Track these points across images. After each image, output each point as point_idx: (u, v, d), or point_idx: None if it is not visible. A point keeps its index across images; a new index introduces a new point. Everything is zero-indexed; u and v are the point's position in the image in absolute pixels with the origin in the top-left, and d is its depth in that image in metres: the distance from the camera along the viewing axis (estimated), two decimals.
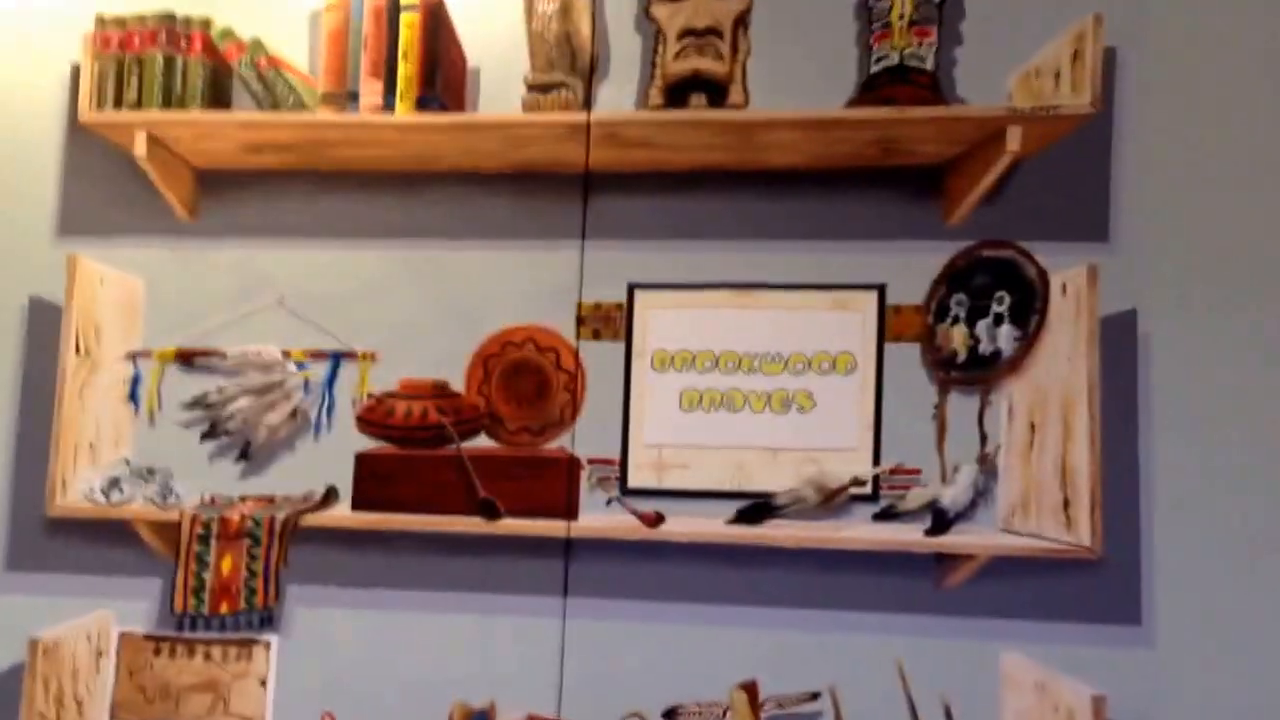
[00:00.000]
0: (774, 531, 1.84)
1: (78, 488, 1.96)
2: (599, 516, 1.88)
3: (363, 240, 1.97)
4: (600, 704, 1.86)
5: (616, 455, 1.91)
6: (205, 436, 1.97)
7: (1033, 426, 1.86)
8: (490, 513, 1.88)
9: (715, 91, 1.90)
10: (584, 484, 1.90)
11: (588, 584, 1.90)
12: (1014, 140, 1.78)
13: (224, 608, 1.92)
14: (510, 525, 1.88)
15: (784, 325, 1.91)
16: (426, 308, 1.96)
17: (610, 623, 1.89)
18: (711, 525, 1.83)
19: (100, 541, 1.97)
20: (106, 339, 1.99)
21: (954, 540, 1.80)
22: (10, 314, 2.02)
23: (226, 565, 1.92)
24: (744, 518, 1.88)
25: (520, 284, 1.93)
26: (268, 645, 1.93)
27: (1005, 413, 1.87)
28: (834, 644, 1.84)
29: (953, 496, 1.86)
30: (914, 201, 1.90)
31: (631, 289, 1.92)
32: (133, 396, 1.99)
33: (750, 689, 1.88)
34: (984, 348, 1.88)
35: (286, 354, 1.97)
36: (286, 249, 1.97)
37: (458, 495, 1.91)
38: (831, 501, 1.88)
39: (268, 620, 1.91)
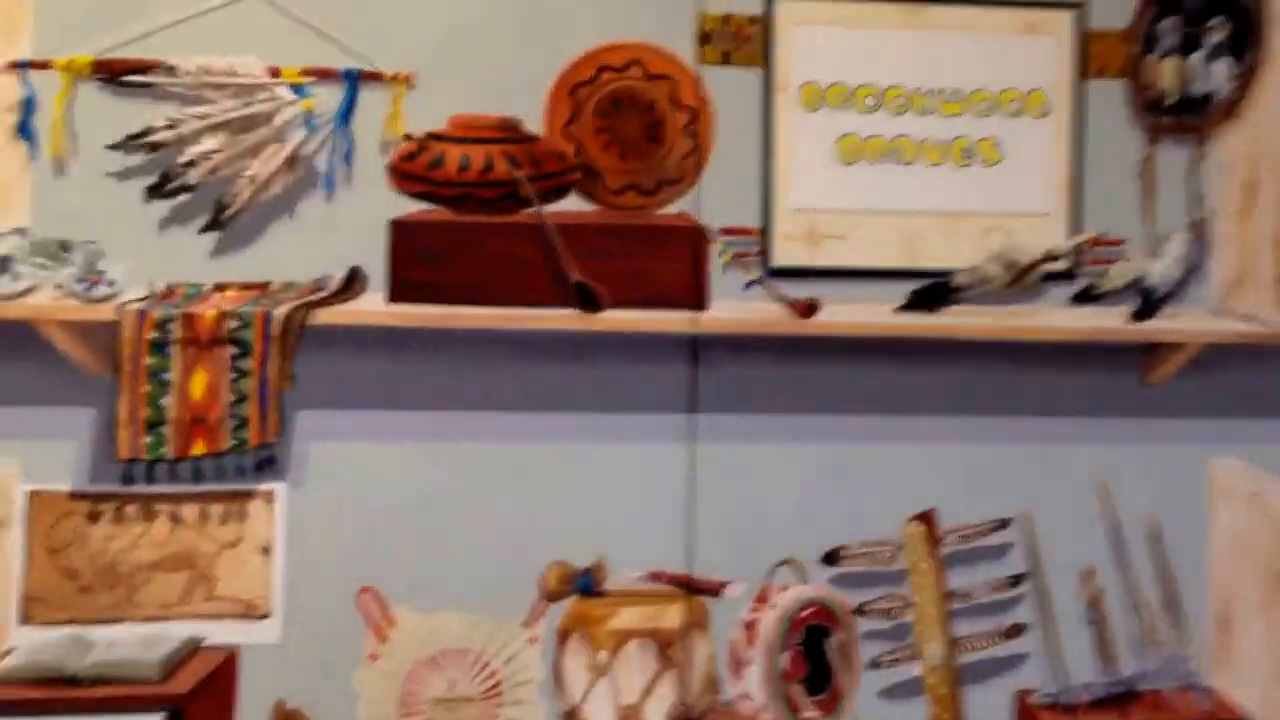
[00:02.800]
0: (956, 321, 2.00)
1: None
2: (734, 305, 2.04)
3: None
4: (741, 551, 1.95)
5: (756, 223, 1.96)
6: (154, 193, 1.82)
7: (1247, 187, 2.07)
8: (588, 302, 1.87)
9: None
10: (714, 261, 1.93)
11: (720, 396, 1.97)
12: None
13: (198, 447, 1.83)
14: (616, 319, 1.89)
15: (964, 53, 2.04)
16: (481, 8, 1.89)
17: (750, 446, 1.98)
18: (878, 314, 1.96)
19: None
20: None
21: (1163, 326, 2.04)
22: None
23: (198, 385, 1.83)
24: (918, 303, 2.01)
25: None
26: (270, 497, 1.85)
27: (1219, 168, 2.07)
28: (1025, 458, 2.02)
29: (1162, 272, 2.07)
30: None
31: None
32: (24, 130, 1.79)
33: (927, 520, 2.02)
34: (1197, 87, 2.07)
35: (274, 72, 1.85)
36: None
37: (539, 279, 1.90)
38: (1022, 280, 2.04)
39: (268, 462, 1.85)
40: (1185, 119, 2.21)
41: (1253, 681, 2.15)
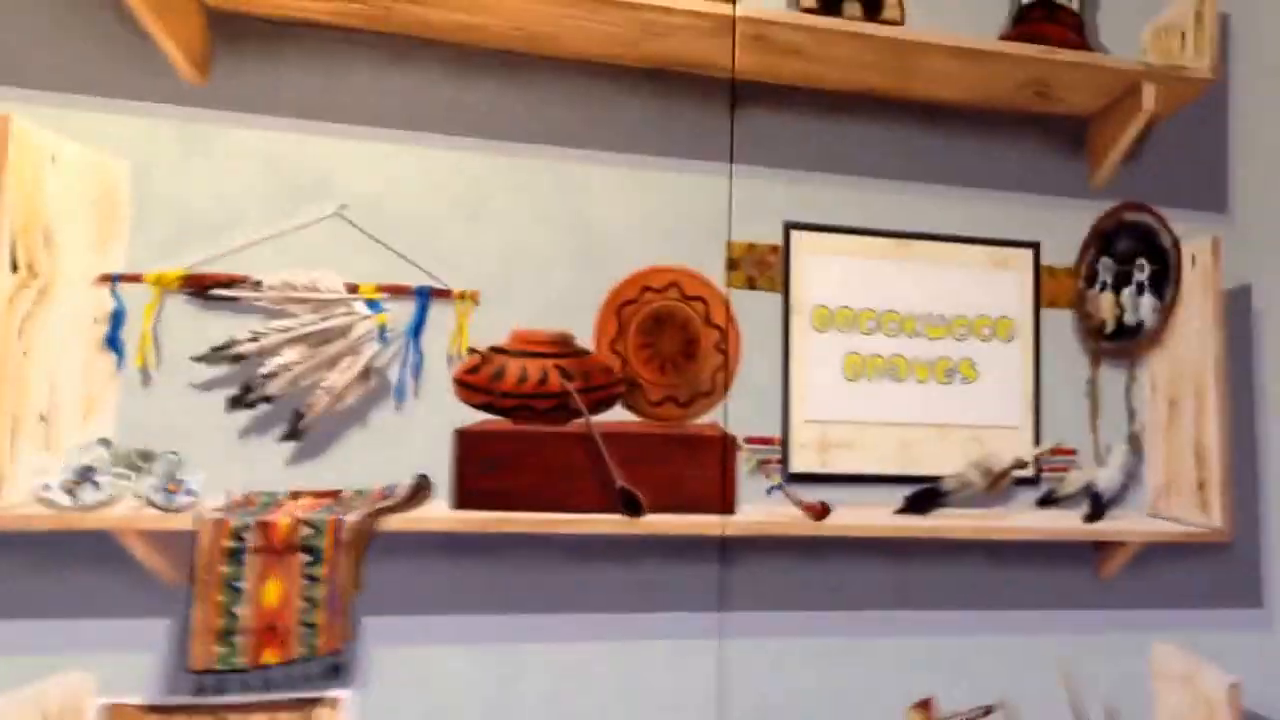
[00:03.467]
0: (943, 522, 2.42)
1: (21, 483, 1.93)
2: (758, 508, 2.31)
3: (455, 137, 2.21)
4: None
5: (776, 433, 2.32)
6: (235, 403, 2.05)
7: (1171, 403, 2.59)
8: (631, 507, 2.20)
9: (870, 5, 2.39)
10: (741, 468, 2.28)
11: (744, 593, 2.30)
12: (1149, 99, 2.59)
13: (271, 656, 2.04)
14: (655, 523, 2.22)
15: (943, 282, 2.51)
16: (540, 233, 2.25)
17: (770, 640, 2.34)
18: (879, 516, 2.38)
19: (65, 565, 1.99)
20: (66, 250, 2.01)
21: (1108, 527, 2.56)
22: None
23: (271, 593, 2.05)
24: (912, 506, 2.41)
25: (655, 210, 2.36)
26: (336, 704, 2.07)
27: (1149, 388, 2.58)
28: (1003, 647, 2.45)
29: (1107, 479, 2.57)
30: (1062, 156, 2.65)
31: (788, 229, 2.35)
32: (112, 342, 2.01)
33: (926, 707, 2.39)
34: (1129, 317, 2.59)
35: (352, 288, 2.13)
36: (344, 137, 2.12)
37: (587, 485, 2.21)
38: (997, 485, 2.47)
39: (335, 669, 2.06)
40: (1121, 344, 2.74)
41: None
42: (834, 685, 2.50)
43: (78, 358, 2.12)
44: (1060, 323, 2.78)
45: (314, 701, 2.20)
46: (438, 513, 2.28)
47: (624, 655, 2.37)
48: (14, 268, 2.07)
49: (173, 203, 2.16)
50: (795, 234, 2.58)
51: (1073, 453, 2.75)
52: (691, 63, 2.52)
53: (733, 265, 2.53)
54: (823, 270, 2.60)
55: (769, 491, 2.49)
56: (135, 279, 2.14)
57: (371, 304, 2.27)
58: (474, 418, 2.31)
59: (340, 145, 2.25)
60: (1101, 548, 2.75)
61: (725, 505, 2.47)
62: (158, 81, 2.17)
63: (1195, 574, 2.80)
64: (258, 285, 2.20)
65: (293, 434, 2.23)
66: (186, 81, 2.19)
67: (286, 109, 2.24)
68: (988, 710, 2.66)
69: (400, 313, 2.28)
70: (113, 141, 2.14)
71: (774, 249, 2.57)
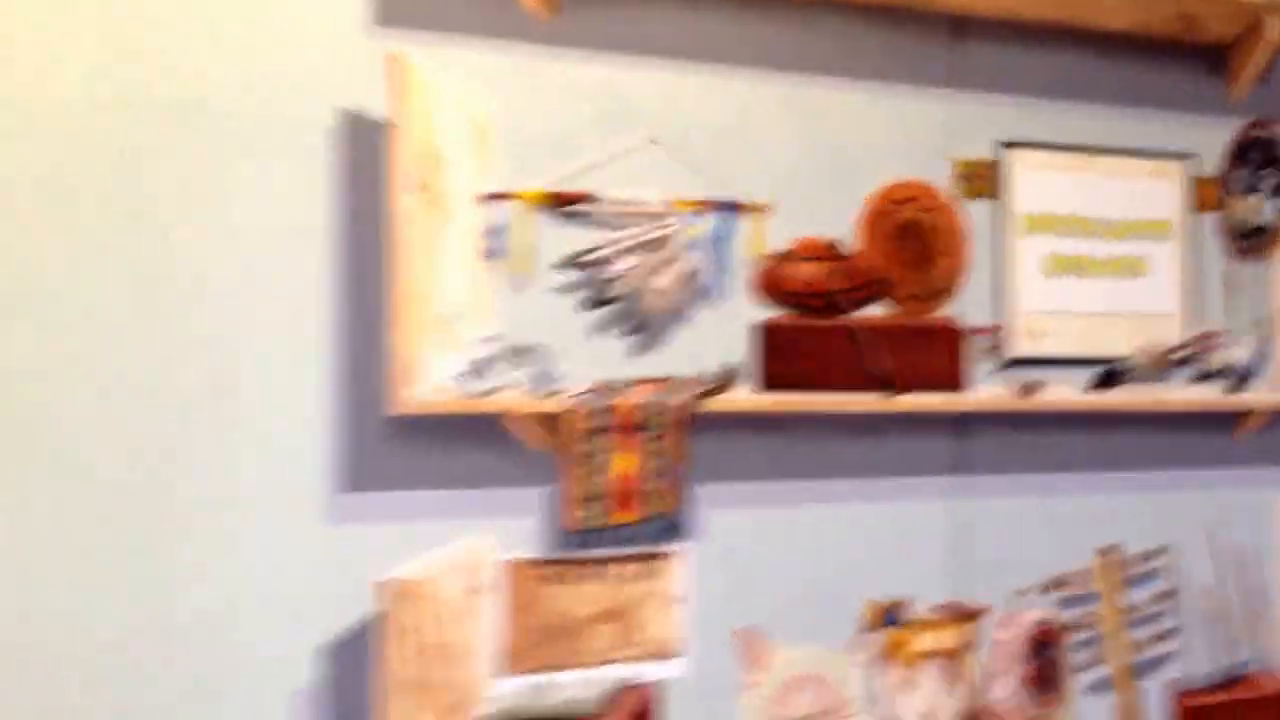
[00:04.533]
0: (1126, 398, 2.87)
1: (431, 376, 2.31)
2: (983, 388, 2.78)
3: (735, 68, 2.58)
4: (991, 585, 2.76)
5: (994, 321, 2.78)
6: (593, 305, 2.44)
7: None
8: (889, 388, 2.65)
9: None
10: (969, 353, 2.74)
11: (973, 460, 2.77)
12: (1273, 30, 2.99)
13: (624, 516, 2.45)
14: (907, 402, 2.68)
15: (1117, 190, 2.95)
16: (807, 154, 2.65)
17: (997, 500, 2.79)
18: (1078, 394, 2.91)
19: (464, 445, 2.38)
20: (454, 173, 2.36)
21: (1246, 398, 3.04)
22: (313, 132, 2.30)
23: (623, 464, 2.46)
24: (1100, 384, 2.89)
25: (890, 132, 2.74)
26: (674, 557, 2.49)
27: (1275, 281, 3.10)
28: (1166, 501, 2.94)
29: (1245, 358, 3.06)
30: (1208, 79, 3.06)
31: (1001, 146, 2.80)
32: (493, 252, 2.38)
33: (1113, 552, 2.91)
34: (1260, 219, 3.09)
35: (671, 203, 2.51)
36: (649, 70, 2.50)
37: (852, 369, 2.65)
38: (1160, 365, 2.96)
39: (674, 528, 2.47)
40: (1253, 242, 3.23)
41: None
42: (1044, 536, 3.00)
43: (467, 266, 2.49)
44: (1209, 225, 3.27)
45: (659, 555, 2.63)
46: (743, 396, 2.71)
47: (875, 513, 2.83)
48: (417, 189, 2.42)
49: (528, 131, 2.52)
50: (1008, 151, 3.02)
51: (1219, 335, 3.26)
52: (916, 1, 2.93)
53: (959, 179, 2.97)
54: (1029, 181, 3.05)
55: (990, 373, 2.96)
56: (506, 197, 2.51)
57: (687, 217, 2.66)
58: (766, 314, 2.73)
59: (643, 74, 2.62)
60: (1240, 416, 3.28)
61: (958, 386, 2.94)
62: (508, 19, 2.51)
63: None
64: (599, 202, 2.57)
65: (632, 330, 2.62)
66: (535, 18, 2.54)
67: (608, 44, 2.59)
68: (1160, 551, 3.18)
69: (709, 225, 2.68)
70: (479, 74, 2.48)
71: (990, 164, 3.01)
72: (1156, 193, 3.27)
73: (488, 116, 2.54)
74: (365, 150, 2.39)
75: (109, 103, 2.25)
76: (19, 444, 2.15)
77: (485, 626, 2.52)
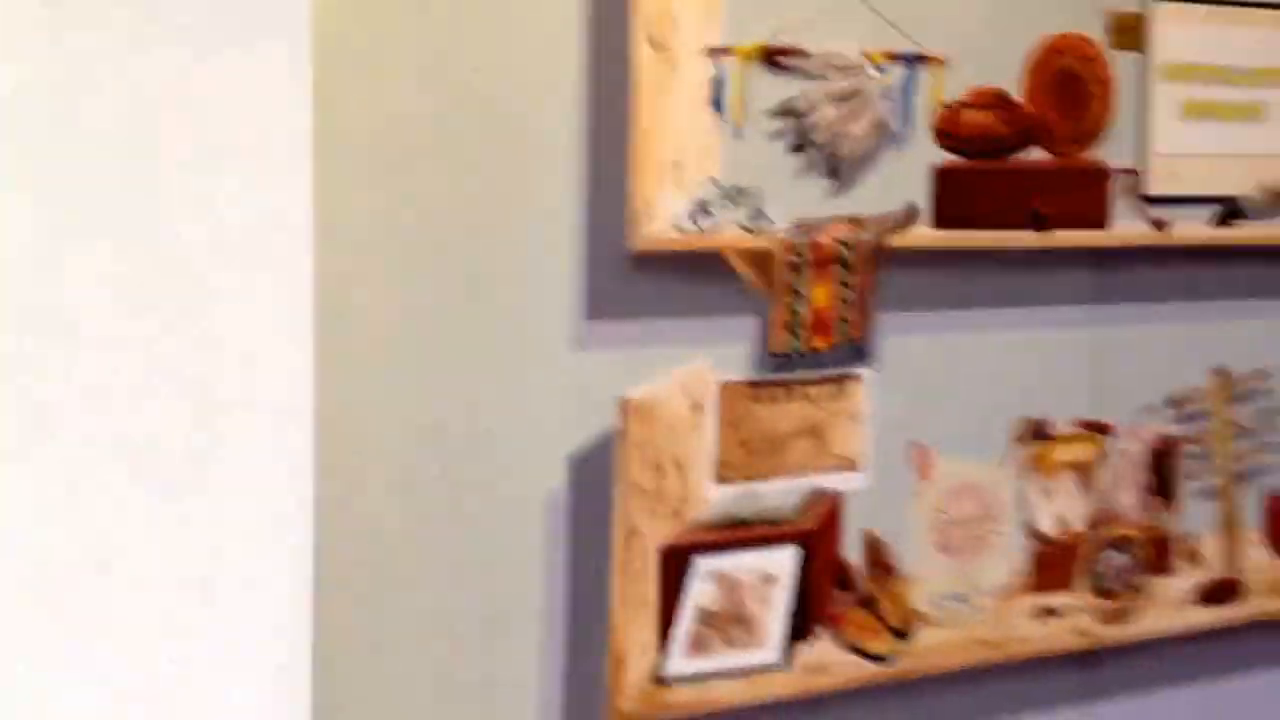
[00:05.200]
0: (1251, 232, 3.19)
1: (664, 214, 2.59)
2: (1123, 225, 3.09)
3: None
4: (1120, 402, 3.14)
5: (1136, 164, 3.08)
6: (796, 149, 2.71)
7: None
8: (1042, 224, 2.95)
9: None
10: (1113, 192, 3.05)
11: (1111, 291, 3.10)
12: None
13: (820, 343, 2.78)
14: (1058, 237, 2.99)
15: (1249, 40, 3.22)
16: (982, 8, 2.88)
17: (1126, 327, 3.13)
18: (1203, 229, 3.13)
19: (689, 277, 2.69)
20: (682, 29, 2.59)
21: None
22: None
23: (820, 296, 2.78)
24: (1222, 220, 3.21)
25: None
26: (861, 379, 2.82)
27: None
28: (1274, 328, 3.28)
29: None
30: None
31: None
32: (716, 103, 2.63)
33: (1224, 373, 3.27)
34: None
35: (866, 56, 2.77)
36: None
37: (1011, 208, 2.95)
38: (1276, 203, 3.28)
39: (861, 353, 2.80)
40: None
41: None
42: (1166, 364, 3.35)
43: (695, 116, 2.74)
44: None
45: (847, 377, 2.96)
46: (922, 232, 3.00)
47: (1026, 339, 3.17)
48: (652, 45, 2.65)
49: None
50: (1155, 4, 3.26)
51: None
52: None
53: (1114, 31, 3.21)
54: (1171, 33, 3.30)
55: (1129, 210, 3.26)
56: (726, 52, 2.74)
57: (878, 68, 2.90)
58: (944, 158, 3.01)
59: None
60: None
61: (1103, 223, 3.24)
62: None
63: None
64: (807, 55, 2.81)
65: (830, 173, 2.89)
66: None
67: None
68: (1264, 373, 3.54)
69: (895, 75, 2.93)
70: None
71: (1138, 16, 3.25)
72: (1276, 41, 3.53)
73: None
74: (610, 5, 2.62)
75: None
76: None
77: (704, 441, 2.85)
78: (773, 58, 2.87)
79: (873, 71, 2.98)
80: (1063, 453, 3.30)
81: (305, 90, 2.09)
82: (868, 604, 3.10)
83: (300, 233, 2.09)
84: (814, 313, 2.95)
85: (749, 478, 2.95)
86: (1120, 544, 3.41)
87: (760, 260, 2.90)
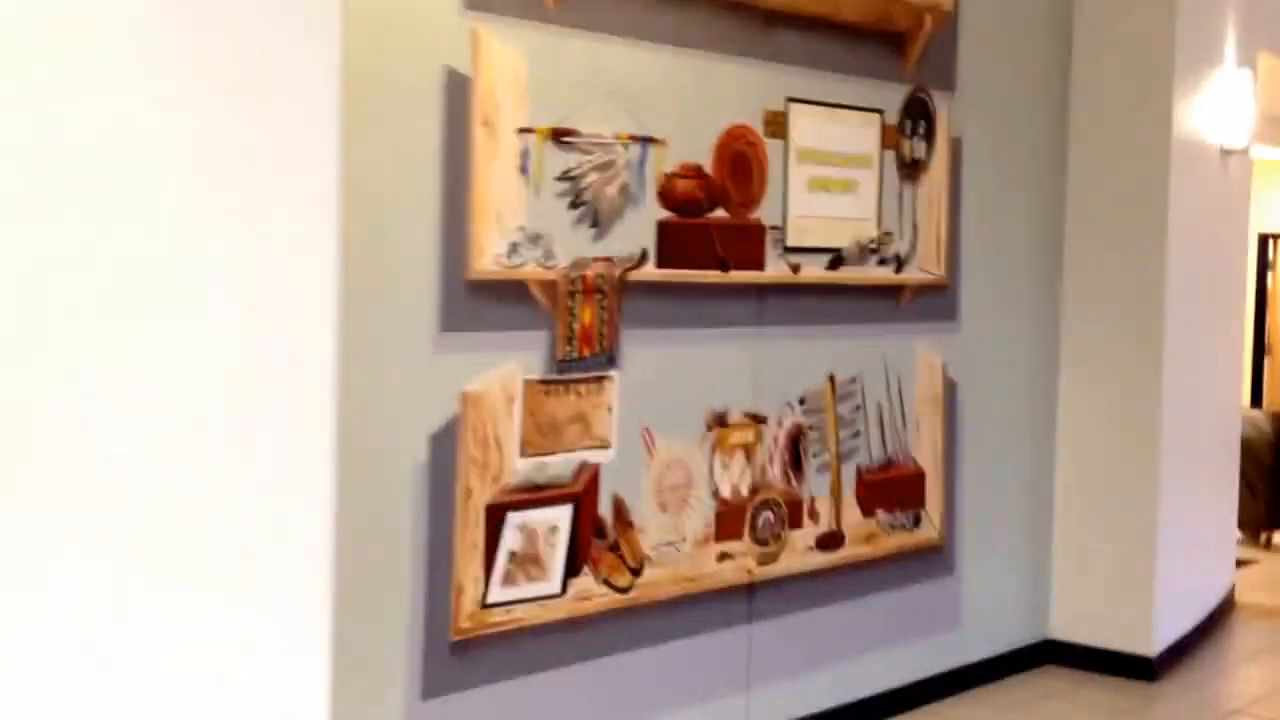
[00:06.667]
0: (849, 274, 4.63)
1: (490, 253, 3.67)
2: (772, 267, 4.43)
3: (657, 45, 4.04)
4: (771, 399, 4.43)
5: (776, 223, 4.43)
6: (573, 206, 3.85)
7: (930, 202, 4.98)
8: (725, 267, 4.26)
9: None
10: (766, 244, 4.39)
11: (767, 315, 4.43)
12: (927, 24, 4.80)
13: (586, 351, 3.93)
14: (736, 275, 4.28)
15: (845, 133, 4.63)
16: (689, 104, 4.14)
17: (775, 342, 4.46)
18: (823, 271, 4.66)
19: (504, 301, 3.75)
20: (504, 113, 3.69)
21: (905, 276, 4.82)
22: (426, 82, 3.53)
23: (587, 316, 3.94)
24: (831, 265, 4.62)
25: (730, 91, 4.29)
26: (612, 380, 3.99)
27: (918, 199, 4.93)
28: (860, 345, 4.71)
29: (903, 249, 4.88)
30: (891, 56, 4.74)
31: (788, 101, 4.41)
32: (524, 169, 3.73)
33: (832, 380, 4.66)
34: (918, 155, 4.91)
35: (616, 137, 3.96)
36: (614, 45, 3.93)
37: (702, 253, 4.23)
38: (864, 253, 4.73)
39: (612, 360, 3.97)
40: (911, 171, 4.99)
41: None
42: (798, 367, 4.63)
43: (510, 179, 3.69)
44: (890, 158, 4.97)
45: (604, 378, 3.97)
46: (650, 270, 4.08)
47: (713, 353, 4.34)
48: (483, 125, 3.58)
49: (542, 83, 3.73)
50: (791, 105, 4.54)
51: (890, 234, 4.99)
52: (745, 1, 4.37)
53: (764, 124, 4.46)
54: (801, 126, 4.60)
55: (776, 257, 4.51)
56: (530, 131, 3.72)
57: (623, 145, 3.95)
58: (664, 215, 4.11)
59: (616, 51, 3.90)
60: (900, 289, 5.06)
61: (761, 265, 4.47)
62: (534, 7, 3.70)
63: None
64: (579, 135, 3.82)
65: (594, 224, 3.91)
66: (549, 6, 3.73)
67: (597, 26, 3.83)
68: (855, 379, 4.90)
69: (634, 151, 4.01)
70: (515, 44, 3.66)
71: (782, 113, 4.52)
72: (864, 135, 4.92)
73: (521, 73, 3.73)
74: (453, 98, 3.54)
75: None
76: None
77: (514, 424, 3.79)
78: (559, 137, 3.89)
79: (620, 148, 4.05)
80: (735, 436, 4.50)
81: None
82: (614, 549, 4.14)
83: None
84: (583, 329, 3.97)
85: (542, 452, 3.93)
86: (770, 505, 4.65)
87: (550, 289, 3.91)
